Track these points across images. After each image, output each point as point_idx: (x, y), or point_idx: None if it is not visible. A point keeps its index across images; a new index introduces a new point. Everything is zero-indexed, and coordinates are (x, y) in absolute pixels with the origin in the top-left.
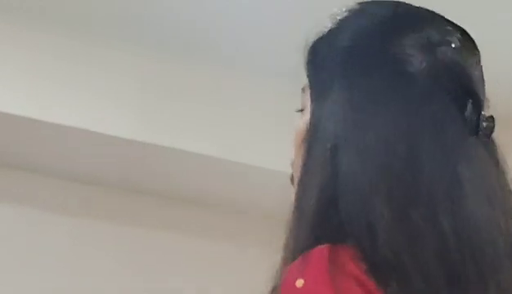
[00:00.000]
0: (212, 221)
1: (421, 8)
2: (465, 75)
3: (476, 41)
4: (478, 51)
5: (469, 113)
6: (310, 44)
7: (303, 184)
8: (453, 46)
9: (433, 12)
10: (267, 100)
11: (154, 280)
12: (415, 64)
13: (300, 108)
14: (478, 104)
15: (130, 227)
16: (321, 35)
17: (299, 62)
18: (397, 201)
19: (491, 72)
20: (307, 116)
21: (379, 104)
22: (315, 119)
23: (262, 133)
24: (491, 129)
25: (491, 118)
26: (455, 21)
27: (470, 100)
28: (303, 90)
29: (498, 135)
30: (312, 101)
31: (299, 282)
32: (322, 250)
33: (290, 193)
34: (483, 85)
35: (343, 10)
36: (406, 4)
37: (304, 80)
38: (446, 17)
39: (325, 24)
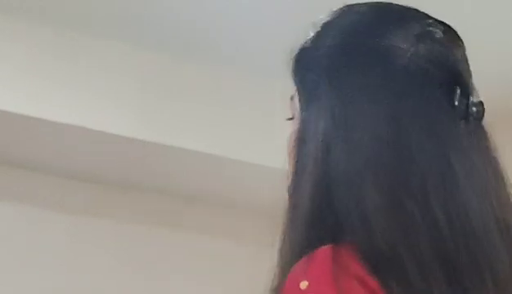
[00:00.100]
0: (211, 219)
1: (404, 5)
2: (451, 63)
3: (476, 41)
4: (463, 43)
5: (458, 99)
6: (294, 53)
7: (295, 185)
8: (437, 36)
9: (415, 9)
10: (267, 100)
11: (153, 278)
12: (401, 57)
13: (290, 116)
14: (467, 90)
15: (130, 225)
16: (305, 42)
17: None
18: (386, 188)
19: (492, 72)
20: (297, 124)
21: (367, 98)
22: (304, 121)
23: (261, 132)
24: (481, 113)
25: (481, 103)
26: (454, 22)
27: (458, 87)
28: (292, 98)
29: (498, 135)
30: (301, 106)
31: (303, 284)
32: (326, 250)
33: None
34: (470, 75)
35: (326, 15)
36: (389, 3)
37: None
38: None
39: (308, 33)
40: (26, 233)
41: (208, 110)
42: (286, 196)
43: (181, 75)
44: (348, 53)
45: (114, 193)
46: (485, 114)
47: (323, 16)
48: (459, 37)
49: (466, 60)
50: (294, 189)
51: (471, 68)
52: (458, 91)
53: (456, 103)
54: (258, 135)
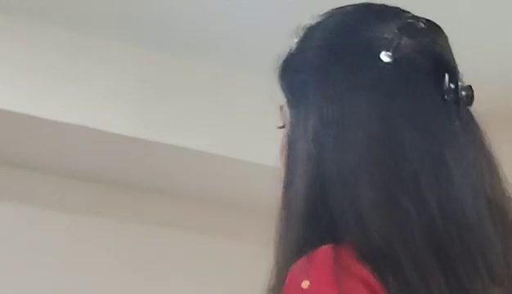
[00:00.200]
0: (212, 218)
1: (386, 4)
2: (437, 51)
3: (476, 41)
4: (446, 36)
5: (447, 85)
6: (280, 61)
7: (288, 184)
8: (419, 27)
9: (397, 7)
10: (267, 100)
11: (153, 278)
12: (388, 52)
13: (281, 125)
14: (455, 76)
15: (130, 224)
16: (289, 49)
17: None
18: (381, 185)
19: (492, 72)
20: (288, 130)
21: (356, 95)
22: (294, 124)
23: (262, 132)
24: (471, 97)
25: (470, 87)
26: (454, 22)
27: (446, 73)
28: (281, 108)
29: (498, 135)
30: (290, 111)
31: (305, 284)
32: (327, 250)
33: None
34: (456, 64)
35: (309, 20)
36: (370, 2)
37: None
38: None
39: (292, 40)
40: (26, 233)
41: (208, 110)
42: (279, 195)
43: (181, 75)
44: (336, 53)
45: (114, 192)
46: (485, 114)
47: (305, 22)
48: (441, 30)
49: (450, 50)
50: (288, 189)
51: (471, 68)
52: (447, 77)
53: (446, 88)
54: (259, 134)
